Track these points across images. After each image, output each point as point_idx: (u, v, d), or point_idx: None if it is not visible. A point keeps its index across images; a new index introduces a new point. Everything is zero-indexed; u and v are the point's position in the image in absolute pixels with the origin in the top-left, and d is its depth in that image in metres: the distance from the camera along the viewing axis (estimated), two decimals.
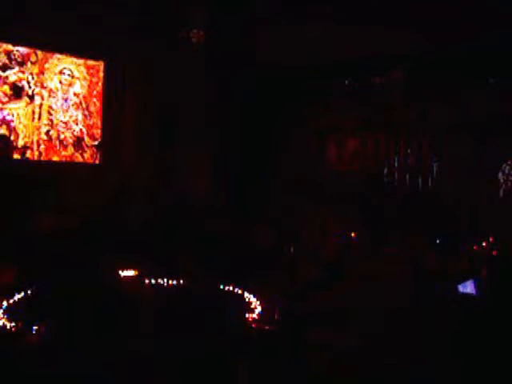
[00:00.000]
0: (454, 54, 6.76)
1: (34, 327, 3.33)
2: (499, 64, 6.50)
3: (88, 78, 7.25)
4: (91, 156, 7.28)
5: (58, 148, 6.97)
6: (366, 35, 6.69)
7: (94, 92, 7.32)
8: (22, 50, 6.60)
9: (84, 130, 7.21)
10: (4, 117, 6.43)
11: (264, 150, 8.31)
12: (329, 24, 6.54)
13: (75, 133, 7.12)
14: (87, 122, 7.25)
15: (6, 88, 6.47)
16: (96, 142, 7.31)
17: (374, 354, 3.13)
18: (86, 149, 7.22)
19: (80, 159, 7.17)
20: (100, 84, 7.36)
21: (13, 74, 6.52)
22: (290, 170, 8.27)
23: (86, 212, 6.30)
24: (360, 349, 3.18)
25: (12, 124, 6.51)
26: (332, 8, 6.19)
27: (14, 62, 6.51)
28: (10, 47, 6.50)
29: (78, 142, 7.14)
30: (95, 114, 7.33)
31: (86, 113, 7.24)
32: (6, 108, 6.45)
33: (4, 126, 6.44)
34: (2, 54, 6.43)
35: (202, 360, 3.14)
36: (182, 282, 4.77)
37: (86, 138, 7.22)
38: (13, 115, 6.51)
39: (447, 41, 6.54)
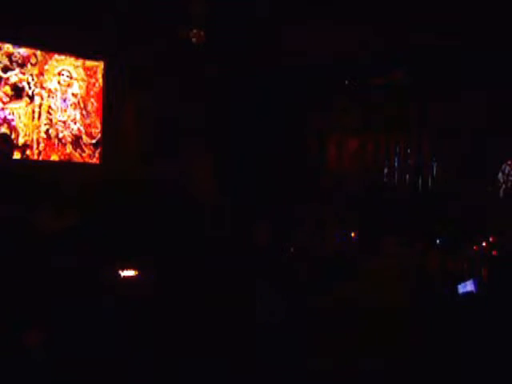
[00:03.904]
0: (454, 54, 6.76)
1: (34, 327, 3.33)
2: (499, 63, 6.50)
3: (86, 79, 7.32)
4: (89, 155, 7.36)
5: (56, 146, 7.05)
6: (366, 34, 6.69)
7: (92, 92, 7.39)
8: (23, 52, 6.68)
9: (82, 128, 7.28)
10: (5, 116, 6.52)
11: (264, 150, 8.31)
12: (328, 23, 6.55)
13: (73, 131, 7.21)
14: (85, 121, 7.33)
15: (7, 89, 6.56)
16: (94, 141, 7.38)
17: (374, 355, 3.13)
18: (84, 147, 7.30)
19: (78, 157, 7.25)
20: (97, 85, 7.43)
21: (14, 76, 6.60)
22: (289, 169, 8.27)
23: (85, 211, 6.30)
24: (360, 350, 3.18)
25: (13, 123, 6.60)
26: (333, 7, 6.19)
27: (14, 64, 6.60)
28: (10, 50, 6.58)
29: (76, 141, 7.23)
30: (93, 114, 7.40)
31: (84, 112, 7.32)
32: (7, 108, 6.55)
33: (5, 125, 6.53)
34: (4, 56, 6.52)
35: None
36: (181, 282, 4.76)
37: (84, 137, 7.30)
38: (13, 114, 6.60)
39: (447, 40, 6.54)
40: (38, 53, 6.82)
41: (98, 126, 7.46)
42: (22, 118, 6.70)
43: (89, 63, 7.35)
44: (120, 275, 4.86)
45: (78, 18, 6.56)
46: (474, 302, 4.25)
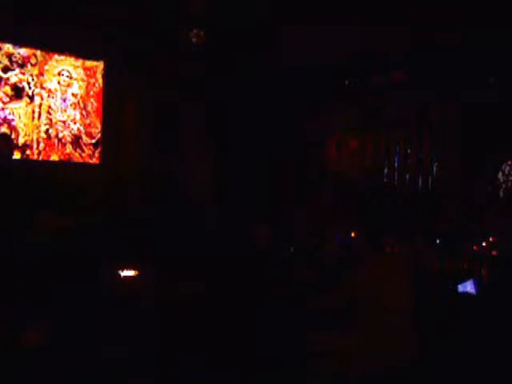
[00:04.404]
0: (454, 54, 6.76)
1: (34, 327, 3.33)
2: (499, 63, 6.50)
3: (85, 79, 7.34)
4: (89, 155, 7.37)
5: (56, 146, 7.07)
6: (366, 34, 6.69)
7: (91, 92, 7.41)
8: (23, 52, 6.69)
9: (81, 128, 7.30)
10: (5, 116, 6.55)
11: (264, 151, 8.30)
12: (328, 23, 6.55)
13: (73, 131, 7.22)
14: (85, 121, 7.35)
15: (8, 89, 6.58)
16: (93, 141, 7.40)
17: (373, 354, 3.12)
18: (83, 147, 7.32)
19: (78, 157, 7.26)
20: (97, 85, 7.44)
21: (14, 76, 6.62)
22: (289, 170, 8.27)
23: (85, 211, 6.30)
24: (360, 349, 3.17)
25: (13, 123, 6.62)
26: (332, 7, 6.19)
27: (14, 64, 6.64)
28: (11, 50, 6.60)
29: (76, 141, 7.25)
30: (92, 114, 7.42)
31: (84, 112, 7.34)
32: (7, 108, 6.56)
33: (5, 125, 6.54)
34: (4, 57, 6.54)
35: None
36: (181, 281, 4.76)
37: (84, 137, 7.32)
38: (13, 114, 6.61)
39: (447, 40, 6.54)
40: (38, 53, 6.83)
41: (98, 125, 7.47)
42: (22, 117, 6.71)
43: (88, 63, 7.36)
44: (120, 275, 4.85)
45: (78, 18, 6.56)
46: (474, 301, 4.25)
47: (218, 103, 8.09)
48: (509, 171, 6.97)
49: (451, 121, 7.16)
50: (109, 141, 7.50)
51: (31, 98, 6.80)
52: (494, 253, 5.32)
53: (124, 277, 4.86)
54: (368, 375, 3.06)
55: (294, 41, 7.17)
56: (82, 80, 7.31)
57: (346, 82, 8.02)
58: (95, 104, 7.45)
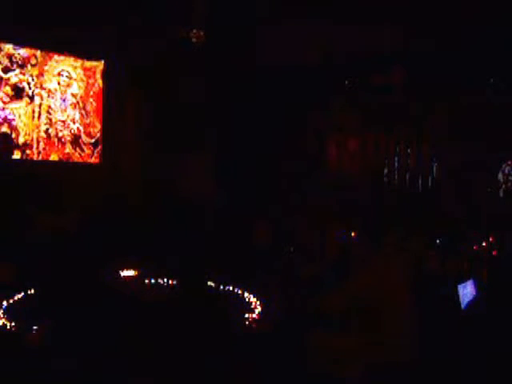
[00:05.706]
0: (454, 54, 6.76)
1: (34, 327, 3.33)
2: (499, 64, 6.51)
3: (85, 79, 7.36)
4: (88, 154, 7.39)
5: (56, 145, 7.08)
6: (366, 34, 6.69)
7: (91, 92, 7.43)
8: (23, 53, 6.70)
9: (81, 128, 7.33)
10: (6, 116, 6.55)
11: (264, 150, 8.31)
12: (328, 23, 6.55)
13: (72, 131, 7.24)
14: (84, 120, 7.36)
15: (8, 89, 6.59)
16: (93, 140, 7.41)
17: (374, 355, 3.12)
18: (83, 146, 7.34)
19: (78, 156, 7.28)
20: (97, 85, 7.46)
21: (14, 76, 6.64)
22: (290, 169, 8.27)
23: (85, 212, 6.31)
24: (360, 349, 3.17)
25: (13, 123, 6.63)
26: (332, 7, 6.19)
27: (15, 65, 6.65)
28: (11, 51, 6.61)
29: (76, 140, 7.26)
30: (92, 113, 7.44)
31: (83, 112, 7.36)
32: (7, 108, 6.57)
33: (6, 125, 6.55)
34: (4, 57, 6.55)
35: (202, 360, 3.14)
36: (181, 282, 4.76)
37: (83, 136, 7.34)
38: (14, 114, 6.62)
39: (447, 40, 6.54)
40: (38, 54, 6.84)
41: (97, 125, 7.49)
42: (22, 117, 6.73)
43: (88, 64, 7.37)
44: (120, 275, 4.86)
45: (78, 18, 6.56)
46: (474, 301, 4.25)
47: (218, 103, 8.09)
48: (509, 171, 6.98)
49: (451, 121, 7.17)
50: (108, 140, 7.51)
51: (31, 98, 6.81)
52: (493, 253, 5.32)
53: (124, 277, 4.87)
54: (368, 375, 3.06)
55: (295, 40, 7.16)
56: (82, 80, 7.33)
57: (346, 82, 8.03)
58: (94, 104, 7.46)
